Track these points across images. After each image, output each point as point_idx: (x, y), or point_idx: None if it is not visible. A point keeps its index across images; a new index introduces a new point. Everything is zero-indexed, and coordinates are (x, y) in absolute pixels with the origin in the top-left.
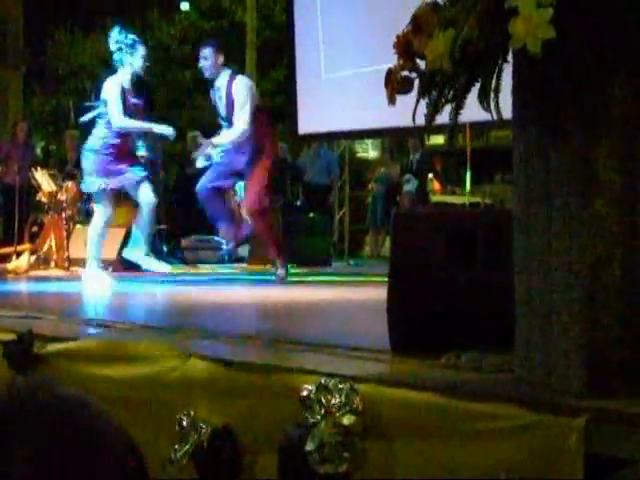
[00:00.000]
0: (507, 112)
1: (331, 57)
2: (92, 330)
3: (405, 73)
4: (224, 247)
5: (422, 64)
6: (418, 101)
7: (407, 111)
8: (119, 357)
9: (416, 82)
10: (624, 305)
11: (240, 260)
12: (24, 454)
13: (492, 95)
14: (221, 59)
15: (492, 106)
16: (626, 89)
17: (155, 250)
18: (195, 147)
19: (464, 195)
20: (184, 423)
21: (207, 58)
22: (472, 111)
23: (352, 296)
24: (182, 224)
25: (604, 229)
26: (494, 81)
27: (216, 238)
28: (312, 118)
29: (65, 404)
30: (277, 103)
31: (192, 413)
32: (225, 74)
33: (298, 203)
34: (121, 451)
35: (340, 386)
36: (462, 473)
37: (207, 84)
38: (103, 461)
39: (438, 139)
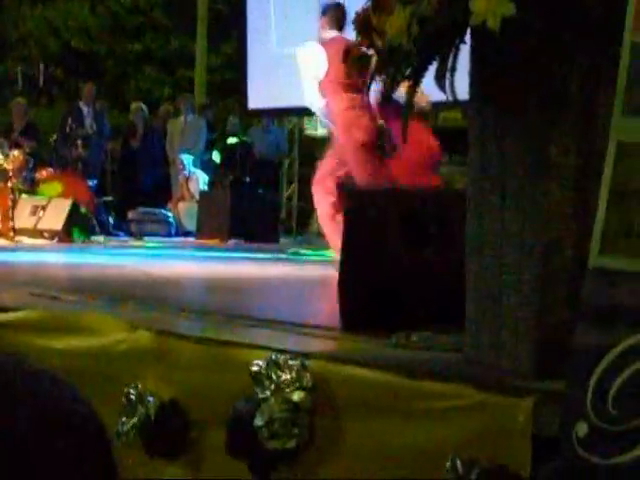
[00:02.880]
0: (461, 93)
1: (282, 32)
2: (38, 301)
3: (363, 50)
4: (171, 220)
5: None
6: (373, 77)
7: None
8: (65, 328)
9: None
10: (574, 287)
11: (188, 234)
12: None
13: (448, 75)
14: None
15: (447, 86)
16: (585, 74)
17: (101, 222)
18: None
19: None
20: (131, 396)
21: None
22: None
23: (301, 272)
24: (128, 196)
25: (557, 211)
26: (450, 60)
27: (163, 211)
28: (262, 93)
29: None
30: (227, 77)
31: (139, 386)
32: None
33: (247, 179)
34: (88, 425)
35: (290, 362)
36: (411, 451)
37: (156, 55)
38: (71, 436)
39: None
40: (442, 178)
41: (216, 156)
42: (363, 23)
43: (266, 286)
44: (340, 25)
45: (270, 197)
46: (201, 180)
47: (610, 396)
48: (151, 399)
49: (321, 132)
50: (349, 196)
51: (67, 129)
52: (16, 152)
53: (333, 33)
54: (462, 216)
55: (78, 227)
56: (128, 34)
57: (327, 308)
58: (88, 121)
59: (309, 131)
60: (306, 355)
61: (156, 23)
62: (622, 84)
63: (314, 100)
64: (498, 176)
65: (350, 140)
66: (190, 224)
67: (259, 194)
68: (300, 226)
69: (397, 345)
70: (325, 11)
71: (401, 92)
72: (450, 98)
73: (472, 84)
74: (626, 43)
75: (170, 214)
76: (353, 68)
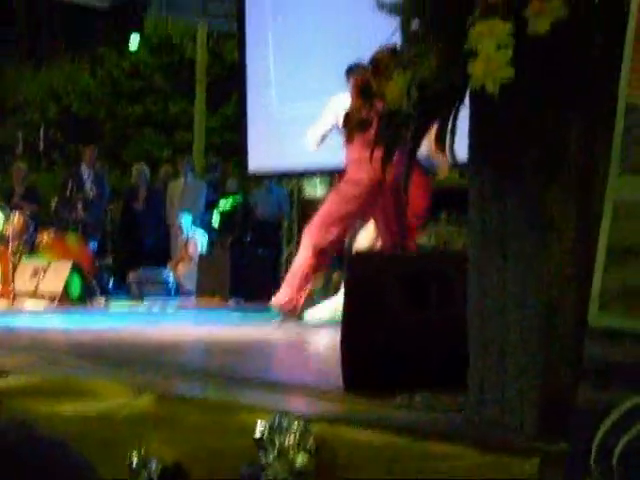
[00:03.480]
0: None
1: (282, 94)
2: (39, 365)
3: (363, 114)
4: (171, 280)
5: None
6: (375, 141)
7: None
8: (67, 393)
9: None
10: (577, 346)
11: (188, 294)
12: None
13: (447, 137)
14: None
15: (447, 147)
16: (582, 135)
17: (101, 284)
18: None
19: None
20: (134, 460)
21: None
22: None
23: (303, 333)
24: (129, 258)
25: (558, 272)
26: (450, 123)
27: (163, 272)
28: (262, 155)
29: (38, 444)
30: (226, 139)
31: (143, 450)
32: None
33: (248, 239)
34: None
35: (293, 425)
36: None
37: (156, 118)
38: None
39: None
40: (443, 236)
41: (216, 217)
42: (363, 87)
43: (267, 347)
44: None
45: (270, 257)
46: (200, 241)
47: (615, 455)
48: (154, 463)
49: (320, 193)
50: (350, 257)
51: (67, 193)
52: (17, 215)
53: None
54: (463, 276)
55: (78, 290)
56: (128, 98)
57: (329, 369)
58: (88, 184)
59: (308, 192)
60: (309, 417)
61: (155, 87)
62: (618, 144)
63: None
64: (498, 237)
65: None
66: (190, 284)
67: (259, 254)
68: None
69: (400, 406)
70: (351, 70)
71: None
72: (450, 159)
73: (471, 145)
74: (621, 104)
75: (170, 275)
76: (353, 131)
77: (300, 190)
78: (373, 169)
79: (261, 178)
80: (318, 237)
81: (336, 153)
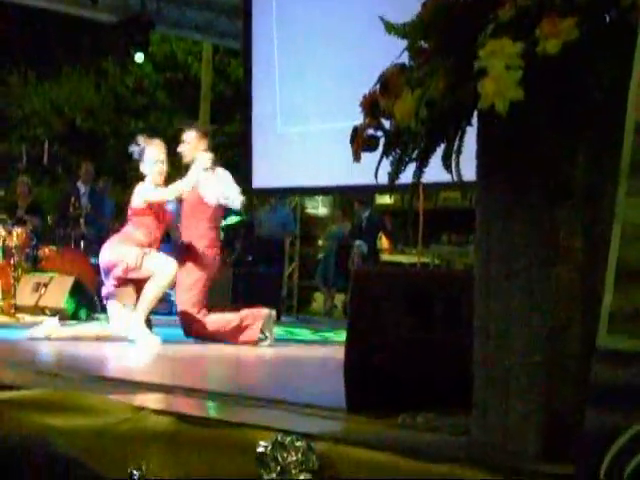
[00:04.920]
0: (466, 174)
1: (286, 113)
2: (40, 379)
3: (371, 131)
4: (172, 298)
5: (387, 123)
6: (381, 159)
7: (359, 169)
8: (68, 408)
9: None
10: (582, 369)
11: None
12: None
13: (454, 156)
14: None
15: (453, 167)
16: (590, 156)
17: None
18: None
19: (413, 255)
20: (135, 477)
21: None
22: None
23: (304, 352)
24: None
25: (565, 294)
26: (457, 142)
27: None
28: (266, 172)
29: (59, 461)
30: (229, 156)
31: (143, 467)
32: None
33: (249, 258)
34: None
35: (296, 444)
36: None
37: (160, 134)
38: None
39: (385, 199)
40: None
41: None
42: (371, 105)
43: (270, 366)
44: None
45: (272, 276)
46: None
47: (625, 479)
48: None
49: (322, 211)
50: (355, 276)
51: (70, 208)
52: (19, 229)
53: None
54: (469, 296)
55: (80, 305)
56: (132, 114)
57: (332, 388)
58: (84, 201)
59: (310, 210)
60: (312, 436)
61: (159, 104)
62: (626, 164)
63: None
64: (505, 257)
65: None
66: None
67: (260, 273)
68: (301, 304)
69: (403, 426)
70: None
71: None
72: (456, 179)
73: (478, 165)
74: (629, 124)
75: (172, 292)
76: (360, 148)
77: (302, 208)
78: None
79: (266, 196)
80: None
81: (338, 172)
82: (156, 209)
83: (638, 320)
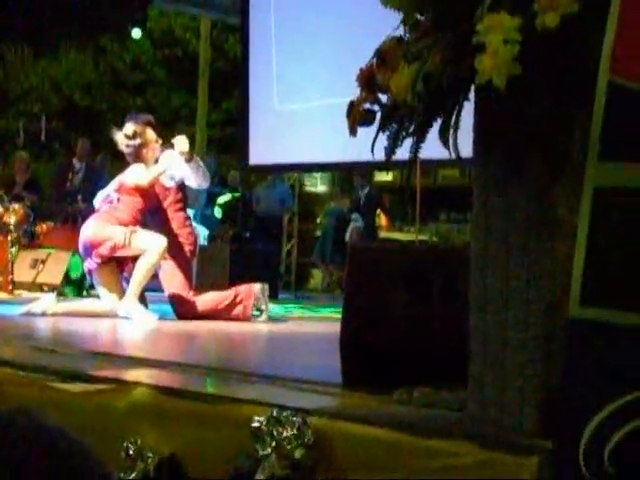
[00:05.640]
0: (463, 150)
1: (283, 89)
2: (37, 355)
3: (367, 106)
4: None
5: (384, 98)
6: (378, 134)
7: (356, 146)
8: (64, 384)
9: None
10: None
11: None
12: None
13: (451, 132)
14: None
15: (450, 143)
16: (587, 131)
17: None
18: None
19: (411, 232)
20: (130, 452)
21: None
22: (424, 149)
23: (300, 328)
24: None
25: (562, 269)
26: (454, 117)
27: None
28: (263, 149)
29: (44, 433)
30: (227, 133)
31: (139, 441)
32: None
33: (247, 234)
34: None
35: (292, 419)
36: None
37: (158, 111)
38: None
39: (384, 176)
40: (443, 234)
41: (217, 212)
42: (368, 79)
43: (265, 342)
44: None
45: (270, 252)
46: (201, 235)
47: (606, 454)
48: (150, 455)
49: (321, 188)
50: (352, 251)
51: (68, 184)
52: (17, 205)
53: None
54: (466, 271)
55: (80, 270)
56: (130, 90)
57: (328, 364)
58: (79, 176)
59: (309, 187)
60: (307, 412)
61: (157, 80)
62: (597, 128)
63: None
64: (502, 232)
65: None
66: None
67: (258, 249)
68: (299, 281)
69: (398, 402)
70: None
71: None
72: (453, 155)
73: (476, 140)
74: (601, 84)
75: None
76: (356, 123)
77: (301, 184)
78: None
79: (263, 173)
80: None
81: (336, 149)
82: (143, 192)
83: (610, 290)
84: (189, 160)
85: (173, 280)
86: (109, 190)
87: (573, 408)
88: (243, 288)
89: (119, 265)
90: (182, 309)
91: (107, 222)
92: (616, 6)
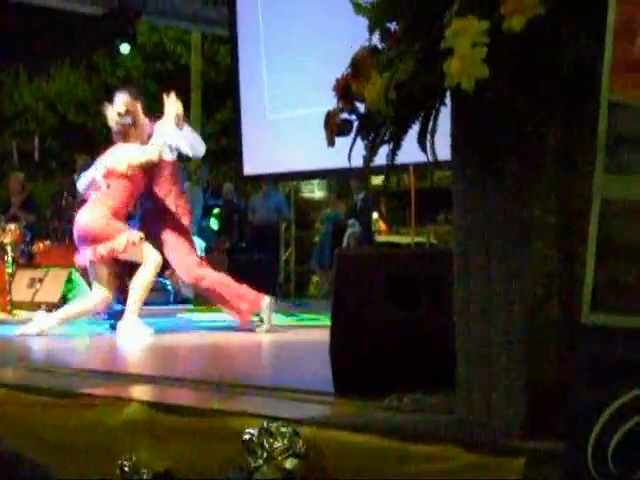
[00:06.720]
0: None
1: (275, 99)
2: (35, 376)
3: (344, 115)
4: (169, 288)
5: (361, 107)
6: (354, 142)
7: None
8: (59, 402)
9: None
10: (563, 345)
11: (186, 301)
12: None
13: (429, 136)
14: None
15: (428, 147)
16: (561, 133)
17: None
18: None
19: (409, 235)
20: (126, 468)
21: None
22: (418, 152)
23: (297, 337)
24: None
25: (542, 271)
26: (430, 123)
27: (161, 279)
28: (257, 159)
29: (3, 459)
30: (222, 144)
31: (134, 458)
32: None
33: (244, 245)
34: None
35: (283, 430)
36: None
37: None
38: None
39: (380, 180)
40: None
41: (213, 223)
42: (344, 89)
43: (259, 351)
44: None
45: (267, 261)
46: (198, 247)
47: (609, 453)
48: (145, 470)
49: (318, 194)
50: (339, 258)
51: (63, 202)
52: (13, 225)
53: None
54: (451, 273)
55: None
56: None
57: (318, 372)
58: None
59: (305, 194)
60: (298, 422)
61: (150, 94)
62: (603, 143)
63: None
64: (482, 236)
65: None
66: (188, 291)
67: (256, 259)
68: (299, 289)
69: (389, 408)
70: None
71: None
72: (431, 159)
73: (453, 145)
74: (603, 103)
75: (168, 282)
76: (334, 133)
77: (297, 192)
78: None
79: (259, 183)
80: None
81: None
82: (132, 176)
83: (620, 296)
84: (182, 126)
85: (180, 250)
86: (94, 174)
87: (585, 412)
88: (253, 296)
89: (115, 259)
90: (190, 278)
91: (104, 214)
92: (611, 26)
